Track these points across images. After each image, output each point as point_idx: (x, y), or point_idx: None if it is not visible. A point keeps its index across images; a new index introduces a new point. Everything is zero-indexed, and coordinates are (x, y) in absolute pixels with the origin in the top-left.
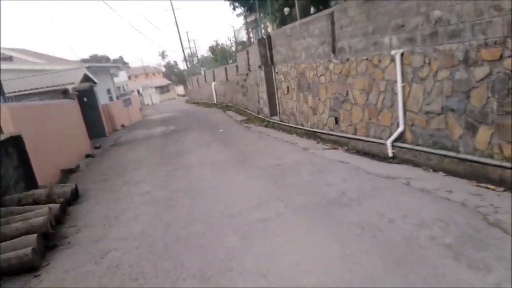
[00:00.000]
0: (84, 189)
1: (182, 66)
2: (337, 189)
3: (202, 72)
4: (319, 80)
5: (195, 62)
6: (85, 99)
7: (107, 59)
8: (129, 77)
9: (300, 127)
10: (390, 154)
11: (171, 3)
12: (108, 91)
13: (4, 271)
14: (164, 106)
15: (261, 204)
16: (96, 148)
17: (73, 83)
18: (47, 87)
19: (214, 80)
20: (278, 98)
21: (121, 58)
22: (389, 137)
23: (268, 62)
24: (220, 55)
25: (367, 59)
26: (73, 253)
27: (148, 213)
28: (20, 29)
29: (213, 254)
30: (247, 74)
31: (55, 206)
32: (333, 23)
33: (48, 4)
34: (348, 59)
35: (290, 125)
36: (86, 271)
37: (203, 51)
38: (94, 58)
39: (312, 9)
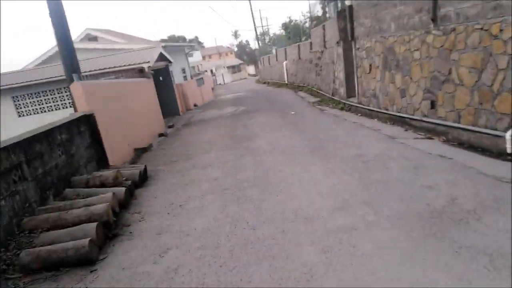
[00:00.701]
0: (154, 170)
1: (254, 45)
2: (444, 195)
3: (274, 51)
4: (412, 56)
5: (266, 41)
6: (160, 78)
7: (183, 39)
8: (203, 57)
9: (384, 111)
10: (509, 150)
11: None
12: (183, 70)
13: (62, 262)
14: (235, 85)
15: (344, 207)
16: (169, 127)
17: (148, 62)
18: (124, 65)
19: (285, 59)
20: (357, 77)
21: (196, 38)
22: (509, 128)
23: (347, 37)
24: (293, 32)
25: (482, 28)
26: (133, 247)
27: (214, 205)
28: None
29: (286, 271)
30: (322, 52)
31: (121, 191)
32: None
33: None
34: (453, 29)
35: (371, 108)
36: (144, 271)
37: (275, 29)
38: (172, 39)
39: None
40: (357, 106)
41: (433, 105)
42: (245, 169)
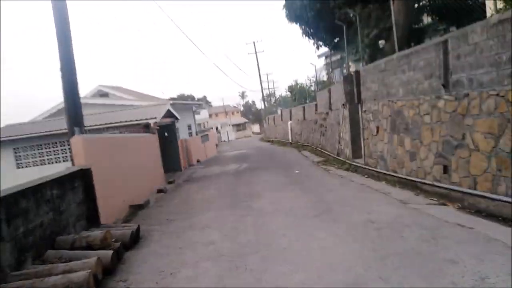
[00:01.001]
0: (147, 230)
1: (259, 105)
2: (471, 272)
3: (279, 111)
4: (422, 120)
5: (272, 102)
6: (166, 133)
7: (192, 98)
8: (210, 115)
9: (392, 173)
10: None
11: (254, 46)
12: (189, 127)
13: None
14: (239, 143)
15: (357, 284)
16: (170, 183)
17: (155, 118)
18: (130, 121)
19: (290, 119)
20: (364, 139)
21: (204, 97)
22: None
23: (353, 100)
24: (298, 95)
25: (497, 94)
26: None
27: (209, 274)
28: (119, 69)
29: None
30: (327, 113)
31: (107, 254)
32: (446, 53)
33: (145, 46)
34: (467, 95)
35: (378, 170)
36: None
37: (281, 90)
38: (181, 97)
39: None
40: (363, 167)
41: (445, 169)
42: (246, 232)
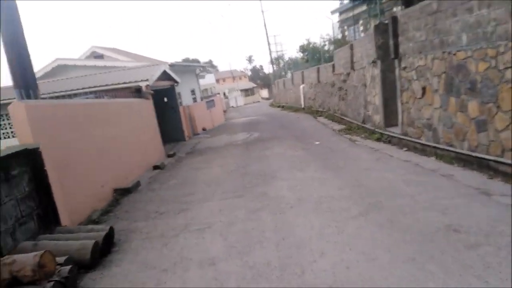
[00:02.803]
0: (128, 229)
1: (267, 69)
2: None
3: (289, 75)
4: (502, 76)
5: (281, 65)
6: (165, 99)
7: (197, 62)
8: (217, 80)
9: (447, 147)
10: None
11: (261, 4)
12: (193, 91)
13: None
14: (248, 108)
15: None
16: (169, 156)
17: (147, 80)
18: (116, 84)
19: (302, 83)
20: (402, 103)
21: (210, 61)
22: None
23: (388, 55)
24: (311, 55)
25: None
26: None
27: None
28: (121, 32)
29: None
30: (348, 74)
31: None
32: None
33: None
34: None
35: (424, 142)
36: None
37: (290, 53)
38: (186, 61)
39: None
40: (401, 138)
41: None
42: (262, 241)
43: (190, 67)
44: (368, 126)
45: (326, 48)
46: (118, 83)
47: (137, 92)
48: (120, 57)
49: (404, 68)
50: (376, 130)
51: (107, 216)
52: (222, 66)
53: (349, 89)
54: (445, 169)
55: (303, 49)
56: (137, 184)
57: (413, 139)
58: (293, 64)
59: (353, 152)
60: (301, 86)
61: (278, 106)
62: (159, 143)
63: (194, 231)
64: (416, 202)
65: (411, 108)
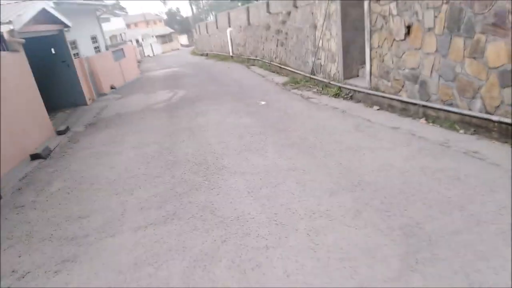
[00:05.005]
0: None
1: (186, 13)
2: None
3: (211, 17)
4: None
5: (202, 6)
6: (52, 50)
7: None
8: (128, 25)
9: (445, 107)
10: None
11: None
12: (94, 39)
13: None
14: (168, 58)
15: None
16: (60, 133)
17: (9, 23)
18: None
19: (229, 26)
20: (372, 48)
21: (118, 3)
22: None
23: None
24: None
25: None
26: None
27: None
28: None
29: None
30: (289, 13)
31: None
32: None
33: None
34: None
35: (406, 100)
36: None
37: None
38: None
39: None
40: (368, 94)
41: None
42: None
43: (88, 6)
44: (319, 77)
45: None
46: None
47: (1, 42)
48: None
49: (378, 0)
50: (332, 83)
51: None
52: (133, 10)
53: (290, 32)
54: (461, 141)
55: None
56: None
57: (387, 95)
58: (216, 5)
59: (318, 117)
60: (228, 30)
61: (202, 55)
62: (41, 115)
63: None
64: (450, 205)
65: (386, 54)
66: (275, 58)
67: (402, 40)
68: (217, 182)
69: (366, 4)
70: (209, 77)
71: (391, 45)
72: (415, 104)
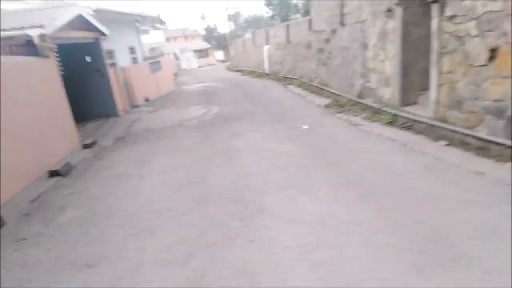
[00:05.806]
0: None
1: (222, 29)
2: None
3: (248, 35)
4: None
5: (239, 22)
6: (88, 58)
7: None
8: (167, 39)
9: None
10: None
11: None
12: (132, 50)
13: None
14: (203, 72)
15: None
16: (87, 146)
17: (41, 27)
18: None
19: (267, 43)
20: (441, 73)
21: (158, 17)
22: None
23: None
24: (278, 9)
25: None
26: None
27: None
28: None
29: None
30: (334, 31)
31: None
32: None
33: None
34: None
35: (489, 138)
36: None
37: (249, 10)
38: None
39: None
40: (433, 125)
41: None
42: None
43: (128, 17)
44: (368, 102)
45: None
46: None
47: (30, 45)
48: None
49: (451, 17)
50: (385, 109)
51: None
52: (173, 25)
53: (334, 51)
54: None
55: (268, 2)
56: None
57: (460, 129)
58: (255, 22)
59: (374, 150)
60: (265, 48)
61: (237, 71)
62: (68, 126)
63: None
64: None
65: (459, 81)
66: (315, 78)
67: (482, 66)
68: (258, 231)
69: (434, 22)
70: (245, 94)
71: (468, 71)
72: (499, 144)
